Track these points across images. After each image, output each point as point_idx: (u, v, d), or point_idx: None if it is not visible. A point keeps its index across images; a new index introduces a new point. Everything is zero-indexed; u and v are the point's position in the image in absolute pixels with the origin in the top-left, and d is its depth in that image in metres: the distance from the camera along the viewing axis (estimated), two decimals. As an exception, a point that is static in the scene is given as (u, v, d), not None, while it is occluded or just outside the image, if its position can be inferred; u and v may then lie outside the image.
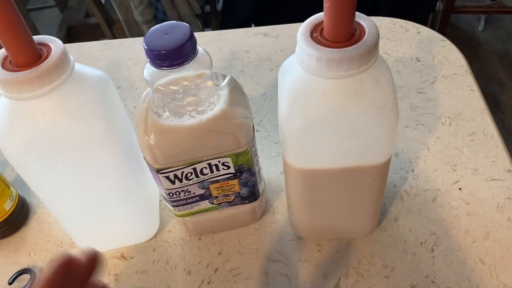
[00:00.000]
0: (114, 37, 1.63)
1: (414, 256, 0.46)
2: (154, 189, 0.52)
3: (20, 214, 0.53)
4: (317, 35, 0.33)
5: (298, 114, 0.34)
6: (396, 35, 0.70)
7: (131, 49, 0.76)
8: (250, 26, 1.25)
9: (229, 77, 0.41)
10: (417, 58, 0.66)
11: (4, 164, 0.60)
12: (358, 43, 0.31)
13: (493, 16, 2.00)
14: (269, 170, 0.55)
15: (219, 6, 1.68)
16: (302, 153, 0.37)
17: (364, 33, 0.32)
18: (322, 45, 0.32)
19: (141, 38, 0.79)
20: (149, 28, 1.47)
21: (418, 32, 0.70)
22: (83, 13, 2.05)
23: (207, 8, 1.62)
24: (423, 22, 1.17)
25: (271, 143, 0.59)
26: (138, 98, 0.67)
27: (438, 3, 1.80)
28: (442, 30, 1.69)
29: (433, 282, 0.44)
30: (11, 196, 0.52)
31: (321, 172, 0.38)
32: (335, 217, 0.44)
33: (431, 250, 0.46)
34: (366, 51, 0.31)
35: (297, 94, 0.34)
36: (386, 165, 0.38)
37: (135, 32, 1.48)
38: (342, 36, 0.32)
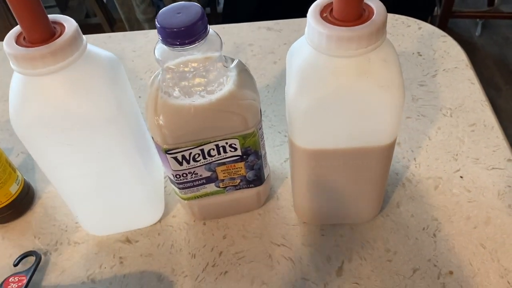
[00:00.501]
0: (115, 35, 1.64)
1: (416, 241, 0.46)
2: (160, 174, 0.53)
3: (26, 198, 0.54)
4: (326, 15, 0.34)
5: (307, 92, 0.35)
6: (398, 30, 0.71)
7: (135, 42, 0.77)
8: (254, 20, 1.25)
9: (237, 60, 0.42)
10: (418, 53, 0.67)
11: (10, 149, 0.61)
12: (367, 22, 0.32)
13: (490, 21, 2.03)
14: (273, 158, 0.56)
15: (220, 8, 1.70)
16: (309, 133, 0.38)
17: (373, 14, 0.33)
18: (332, 24, 0.32)
19: (145, 31, 0.81)
20: (151, 27, 1.48)
21: (420, 28, 0.71)
22: (83, 13, 2.06)
23: (208, 10, 1.63)
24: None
25: (275, 132, 0.59)
26: (143, 88, 0.68)
27: (436, 8, 1.82)
28: (440, 33, 1.70)
29: (435, 265, 0.44)
30: (17, 180, 0.52)
31: (327, 152, 0.39)
32: (339, 201, 0.45)
33: (433, 235, 0.47)
34: (375, 30, 0.32)
35: (306, 73, 0.35)
36: (391, 147, 0.39)
37: (137, 30, 1.49)
38: (352, 15, 0.32)
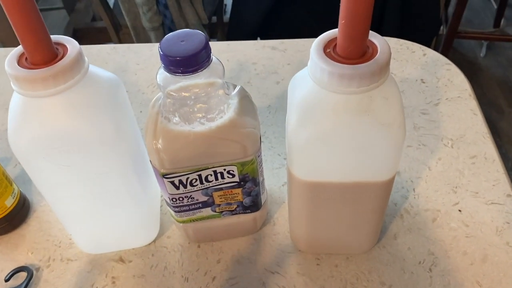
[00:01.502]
0: (120, 42, 1.64)
1: (412, 275, 0.46)
2: (157, 194, 0.52)
3: (21, 212, 0.53)
4: (330, 51, 0.33)
5: (307, 126, 0.35)
6: (402, 56, 0.71)
7: (139, 55, 0.77)
8: (255, 39, 1.26)
9: (239, 86, 0.42)
10: (421, 80, 0.67)
11: (7, 160, 0.61)
12: (370, 61, 0.32)
13: (494, 43, 2.03)
14: (271, 181, 0.56)
15: (226, 17, 1.70)
16: (308, 165, 0.37)
17: (377, 52, 0.33)
18: (335, 61, 0.32)
19: (150, 44, 0.81)
20: (156, 35, 1.48)
21: (424, 54, 0.71)
22: (90, 16, 2.06)
23: (214, 19, 1.63)
24: (427, 45, 1.19)
25: (274, 154, 0.59)
26: (144, 103, 0.68)
27: (441, 27, 1.82)
28: (444, 54, 1.70)
29: (430, 301, 0.44)
30: (13, 193, 0.52)
31: (326, 185, 0.38)
32: (336, 231, 0.44)
33: (429, 270, 0.46)
34: (377, 69, 0.32)
35: (307, 106, 0.35)
36: (390, 183, 0.39)
37: (142, 38, 1.49)
38: (355, 53, 0.32)
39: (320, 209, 0.41)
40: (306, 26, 1.30)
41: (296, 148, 0.37)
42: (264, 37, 1.00)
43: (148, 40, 1.49)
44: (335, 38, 0.34)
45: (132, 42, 1.56)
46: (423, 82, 0.66)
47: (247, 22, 1.38)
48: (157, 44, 0.79)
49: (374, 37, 0.34)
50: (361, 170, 0.37)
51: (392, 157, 0.36)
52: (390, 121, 0.34)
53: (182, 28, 1.49)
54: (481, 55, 1.99)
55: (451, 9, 1.86)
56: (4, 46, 1.41)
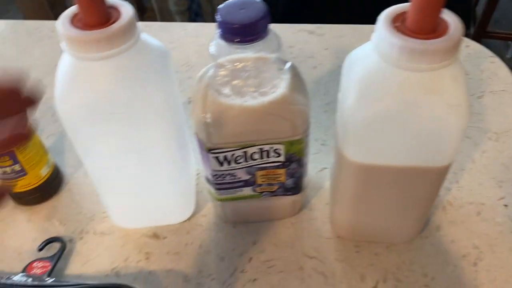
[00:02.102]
0: (144, 24, 1.63)
1: (456, 268, 0.44)
2: (193, 171, 0.51)
3: (54, 183, 0.53)
4: (398, 25, 0.32)
5: (369, 104, 0.33)
6: (444, 46, 0.69)
7: (172, 33, 0.75)
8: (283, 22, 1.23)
9: (290, 63, 0.40)
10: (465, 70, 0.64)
11: (40, 131, 0.60)
12: (445, 36, 0.30)
13: (522, 44, 1.99)
14: (309, 167, 0.54)
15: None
16: (364, 147, 0.36)
17: (448, 28, 0.31)
18: (405, 35, 0.31)
19: (183, 23, 0.79)
20: (182, 19, 1.47)
21: (467, 46, 0.69)
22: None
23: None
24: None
25: (311, 140, 0.57)
26: (178, 82, 0.66)
27: (470, 27, 1.79)
28: (472, 52, 1.67)
29: (475, 296, 0.42)
30: (48, 162, 0.51)
31: (380, 168, 0.37)
32: (381, 218, 0.43)
33: (473, 264, 0.45)
34: (451, 45, 0.30)
35: (371, 83, 0.33)
36: (446, 169, 0.37)
37: (167, 21, 1.48)
38: (428, 27, 0.31)
39: (369, 194, 0.40)
40: (335, 17, 1.28)
41: (354, 128, 0.35)
42: (292, 21, 0.98)
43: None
44: (403, 13, 0.32)
45: (156, 25, 1.55)
46: (467, 75, 0.64)
47: (275, 6, 1.35)
48: (190, 24, 0.78)
49: (445, 13, 0.32)
50: (420, 154, 0.35)
51: (453, 141, 0.35)
52: (458, 102, 0.32)
53: (209, 13, 1.47)
54: (507, 56, 1.95)
55: (479, 8, 1.82)
56: (26, 18, 1.41)
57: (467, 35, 1.81)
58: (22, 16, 1.53)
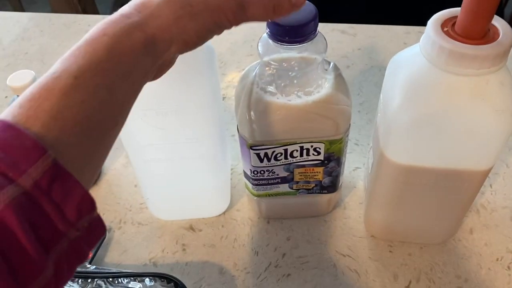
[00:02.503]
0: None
1: (489, 271, 0.45)
2: (229, 167, 0.52)
3: (93, 173, 0.54)
4: (448, 29, 0.32)
5: (415, 106, 0.34)
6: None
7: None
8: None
9: (333, 63, 0.41)
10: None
11: (79, 123, 0.62)
12: (494, 42, 0.31)
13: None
14: (341, 165, 0.55)
15: None
16: (407, 148, 0.37)
17: (498, 34, 0.32)
18: (455, 39, 0.31)
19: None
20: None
21: (501, 49, 0.68)
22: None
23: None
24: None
25: (344, 139, 0.58)
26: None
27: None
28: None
29: (508, 300, 0.43)
30: (89, 153, 0.53)
31: (421, 170, 0.37)
32: (417, 218, 0.44)
33: (507, 267, 0.45)
34: (501, 51, 0.31)
35: (416, 86, 0.34)
36: (487, 173, 0.38)
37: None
38: (478, 33, 0.31)
39: (407, 194, 0.40)
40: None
41: (398, 130, 0.36)
42: (324, 21, 0.98)
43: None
44: (453, 17, 0.33)
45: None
46: None
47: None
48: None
49: (495, 19, 0.32)
50: (462, 157, 0.36)
51: (497, 146, 0.35)
52: (504, 107, 0.33)
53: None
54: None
55: (507, 10, 1.80)
56: (53, 10, 1.43)
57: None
58: (49, 8, 1.56)
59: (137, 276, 0.41)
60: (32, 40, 0.77)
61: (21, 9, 1.65)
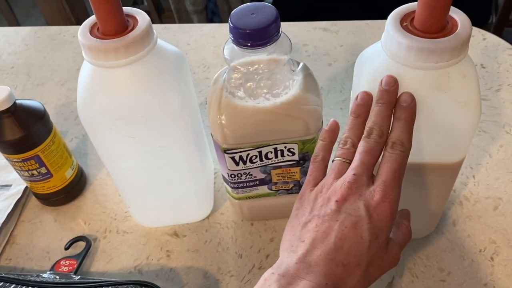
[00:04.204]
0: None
1: (472, 263, 0.45)
2: (211, 171, 0.53)
3: (78, 184, 0.55)
4: (407, 24, 0.32)
5: (379, 103, 0.34)
6: (460, 40, 0.68)
7: (190, 35, 0.77)
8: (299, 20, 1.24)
9: (302, 63, 0.41)
10: (481, 65, 0.64)
11: (64, 133, 0.62)
12: (452, 35, 0.31)
13: (546, 33, 1.93)
14: (324, 163, 0.55)
15: (269, 1, 1.69)
16: (376, 144, 0.37)
17: (457, 27, 0.32)
18: (413, 34, 0.31)
19: (200, 25, 0.81)
20: (199, 18, 1.48)
21: (484, 39, 0.68)
22: None
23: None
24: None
25: (327, 137, 0.58)
26: (195, 83, 0.68)
27: (491, 16, 1.75)
28: (493, 43, 1.64)
29: (491, 291, 0.43)
30: (72, 165, 0.53)
31: (392, 165, 0.37)
32: (396, 214, 0.43)
33: (490, 258, 0.45)
34: (459, 43, 0.31)
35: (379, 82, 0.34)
36: (458, 165, 0.38)
37: (185, 21, 1.50)
38: (435, 26, 0.31)
39: (382, 190, 0.40)
40: (351, 13, 1.27)
41: (365, 126, 0.36)
42: (308, 19, 0.98)
43: (190, 23, 1.49)
44: (412, 12, 0.33)
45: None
46: (483, 67, 0.64)
47: (293, 5, 1.35)
48: (207, 25, 0.79)
49: (454, 12, 0.32)
50: (431, 150, 0.36)
51: (465, 138, 0.35)
52: (467, 99, 0.33)
53: (225, 11, 1.47)
54: (532, 45, 1.91)
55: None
56: (49, 25, 1.45)
57: (489, 24, 1.78)
58: (44, 20, 1.57)
59: (119, 284, 0.41)
60: (17, 54, 0.78)
61: (16, 23, 1.67)
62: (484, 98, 0.60)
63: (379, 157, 0.32)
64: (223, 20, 1.51)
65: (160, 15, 1.65)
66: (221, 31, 0.77)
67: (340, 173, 0.33)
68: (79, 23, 1.61)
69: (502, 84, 0.61)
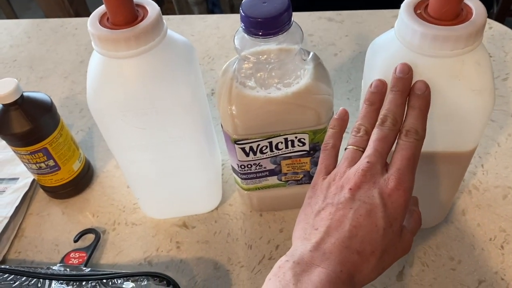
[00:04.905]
0: (163, 17, 1.64)
1: (482, 252, 0.45)
2: (219, 162, 0.52)
3: (86, 176, 0.54)
4: (421, 12, 0.32)
5: (393, 91, 0.33)
6: (466, 29, 0.68)
7: (193, 26, 0.76)
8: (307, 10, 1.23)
9: (312, 53, 0.41)
10: (488, 54, 0.64)
11: (70, 126, 0.62)
12: (467, 22, 0.30)
13: (548, 22, 1.93)
14: (332, 154, 0.55)
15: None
16: (388, 133, 0.36)
17: (471, 14, 0.31)
18: (428, 22, 0.31)
19: (204, 16, 0.80)
20: (199, 10, 1.47)
21: (490, 28, 0.68)
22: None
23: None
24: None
25: (334, 127, 0.58)
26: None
27: (494, 6, 1.74)
28: (495, 32, 1.63)
29: (502, 279, 0.43)
30: (79, 157, 0.53)
31: (404, 154, 0.37)
32: (407, 203, 0.43)
33: (500, 247, 0.45)
34: (474, 31, 0.30)
35: (393, 70, 0.33)
36: (471, 154, 0.37)
37: (185, 12, 1.49)
38: (450, 14, 0.31)
39: (393, 179, 0.40)
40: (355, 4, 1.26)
41: (378, 115, 0.35)
42: (312, 9, 0.97)
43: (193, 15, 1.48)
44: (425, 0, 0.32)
45: (174, 17, 1.56)
46: (490, 56, 0.63)
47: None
48: (210, 16, 0.79)
49: (469, -1, 0.32)
50: (444, 139, 0.36)
51: (478, 126, 0.35)
52: (481, 87, 0.32)
53: (226, 2, 1.46)
54: (533, 34, 1.90)
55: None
56: (46, 15, 1.43)
57: (490, 14, 1.77)
58: (42, 13, 1.56)
59: (130, 276, 0.41)
60: (20, 47, 0.78)
61: (14, 16, 1.65)
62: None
63: (393, 145, 0.32)
64: (223, 11, 1.50)
65: (160, 6, 1.64)
66: (225, 22, 0.76)
67: (353, 161, 0.32)
68: (78, 15, 1.60)
69: (509, 73, 0.61)
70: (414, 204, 0.36)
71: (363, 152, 0.32)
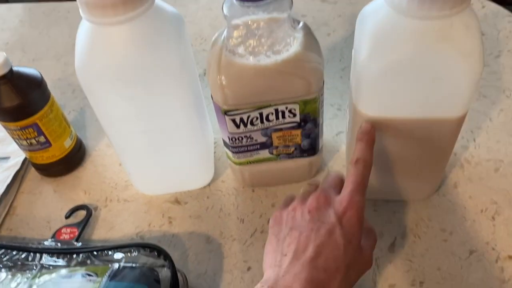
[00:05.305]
0: None
1: (474, 223, 0.45)
2: (211, 138, 0.52)
3: (77, 154, 0.54)
4: (409, -26, 0.32)
5: (381, 55, 0.33)
6: (459, 8, 0.68)
7: (186, 8, 0.76)
8: None
9: (302, 22, 0.41)
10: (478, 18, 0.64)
11: (62, 106, 0.62)
12: (455, -18, 0.30)
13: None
14: (325, 132, 0.54)
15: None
16: (378, 99, 0.36)
17: (460, -27, 0.31)
18: (416, -17, 0.31)
19: (196, -2, 0.79)
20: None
21: (483, 7, 0.68)
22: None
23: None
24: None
25: (327, 105, 0.58)
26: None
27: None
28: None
29: (493, 249, 0.43)
30: (71, 134, 0.53)
31: (394, 121, 0.37)
32: (398, 175, 0.43)
33: (491, 218, 0.45)
34: (462, -10, 0.30)
35: (382, 35, 0.33)
36: (461, 120, 0.37)
37: None
38: (438, -26, 0.31)
39: (384, 150, 0.40)
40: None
41: (367, 81, 0.35)
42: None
43: None
44: (414, -38, 0.32)
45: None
46: (483, 34, 0.63)
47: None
48: (204, -2, 0.78)
49: (456, -41, 0.32)
50: (433, 104, 0.36)
51: (466, 91, 0.35)
52: (470, 51, 0.32)
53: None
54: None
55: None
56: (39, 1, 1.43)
57: None
58: None
59: (120, 247, 0.41)
60: (12, 30, 0.77)
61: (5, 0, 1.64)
62: (484, 64, 0.59)
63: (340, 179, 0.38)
64: None
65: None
66: (218, 3, 0.75)
67: (308, 194, 0.37)
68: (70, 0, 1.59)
69: (502, 50, 0.61)
70: (370, 226, 0.38)
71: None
